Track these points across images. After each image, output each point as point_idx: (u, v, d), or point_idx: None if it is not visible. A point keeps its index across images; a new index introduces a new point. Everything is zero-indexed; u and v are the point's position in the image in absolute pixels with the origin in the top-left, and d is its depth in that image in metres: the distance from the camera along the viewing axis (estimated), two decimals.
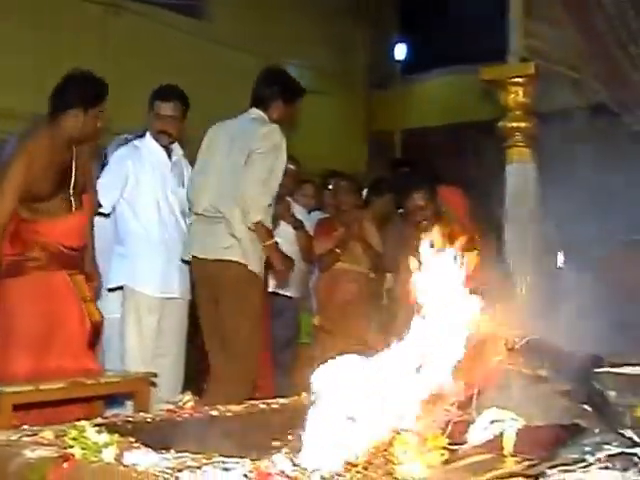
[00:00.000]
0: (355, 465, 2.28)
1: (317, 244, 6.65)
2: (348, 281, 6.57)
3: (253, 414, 3.25)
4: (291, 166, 6.39)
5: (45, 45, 8.88)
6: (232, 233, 5.16)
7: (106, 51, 9.51)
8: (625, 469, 2.16)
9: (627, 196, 5.40)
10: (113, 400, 5.20)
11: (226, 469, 2.25)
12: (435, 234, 2.52)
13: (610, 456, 2.19)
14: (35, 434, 2.67)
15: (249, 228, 5.14)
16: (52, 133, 4.82)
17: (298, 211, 6.75)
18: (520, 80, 6.22)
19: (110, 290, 5.52)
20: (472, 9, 9.64)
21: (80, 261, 4.97)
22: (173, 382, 5.45)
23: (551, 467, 2.17)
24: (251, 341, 5.16)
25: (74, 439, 2.46)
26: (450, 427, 2.44)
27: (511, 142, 6.23)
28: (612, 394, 2.58)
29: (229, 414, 3.17)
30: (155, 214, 5.44)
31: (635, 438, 2.27)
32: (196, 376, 5.78)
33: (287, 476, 2.18)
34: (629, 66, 6.85)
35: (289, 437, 2.52)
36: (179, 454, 2.36)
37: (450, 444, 2.38)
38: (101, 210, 5.45)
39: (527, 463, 2.25)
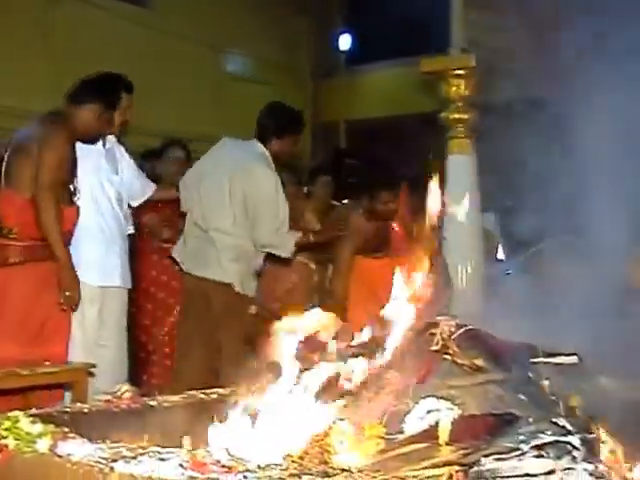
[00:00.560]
0: (291, 455, 2.28)
1: None
2: (289, 271, 6.55)
3: (192, 404, 3.23)
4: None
5: None
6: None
7: (48, 39, 9.40)
8: (559, 457, 2.18)
9: (564, 191, 5.45)
10: None
11: (162, 459, 2.24)
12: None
13: (544, 444, 2.21)
14: None
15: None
16: (71, 125, 5.03)
17: None
18: (461, 72, 6.25)
19: None
20: (416, 1, 9.67)
21: None
22: (117, 373, 5.39)
23: (486, 455, 2.18)
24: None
25: (7, 430, 2.43)
26: (387, 417, 2.45)
27: (452, 134, 6.28)
28: (546, 383, 2.61)
29: (167, 404, 3.15)
30: (91, 203, 5.37)
31: (568, 427, 2.29)
32: (134, 367, 5.73)
33: (223, 466, 2.18)
34: (570, 60, 6.92)
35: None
36: (114, 444, 2.35)
37: (387, 433, 2.40)
38: None
39: (462, 452, 2.27)
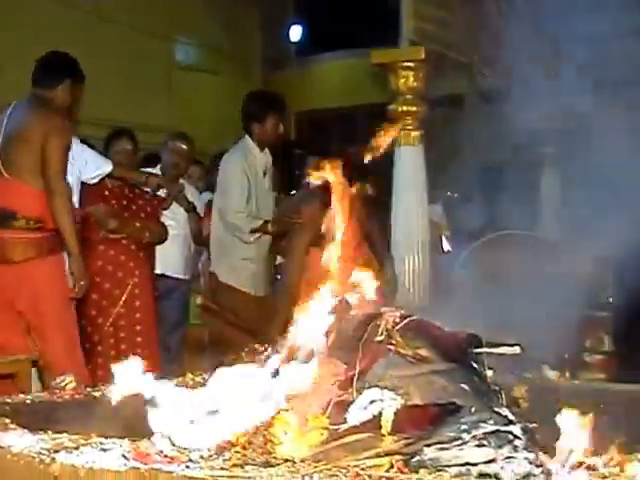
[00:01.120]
0: (235, 445, 2.28)
1: (207, 225, 6.62)
2: None
3: (137, 395, 3.21)
4: (183, 146, 6.37)
5: None
6: None
7: None
8: (500, 446, 2.20)
9: (510, 185, 5.52)
10: None
11: (104, 450, 2.23)
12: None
13: (486, 434, 2.23)
14: None
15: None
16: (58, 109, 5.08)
17: (190, 192, 6.69)
18: (410, 64, 6.27)
19: None
20: None
21: None
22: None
23: (428, 445, 2.20)
24: None
25: None
26: (330, 407, 2.45)
27: (401, 125, 6.29)
28: (489, 373, 2.63)
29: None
30: None
31: (510, 416, 2.32)
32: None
33: (166, 456, 2.18)
34: (517, 53, 6.97)
35: None
36: (56, 435, 2.33)
37: (330, 424, 2.40)
38: None
39: (404, 442, 2.28)
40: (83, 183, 5.58)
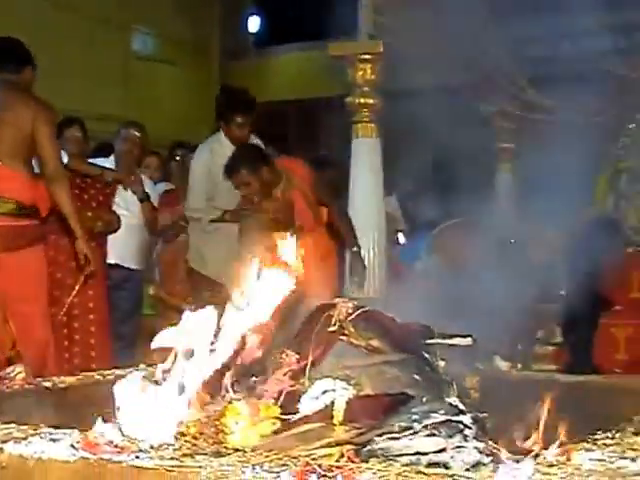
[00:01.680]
0: (185, 435, 2.28)
1: (161, 216, 6.58)
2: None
3: (88, 386, 3.20)
4: (136, 133, 6.33)
5: None
6: None
7: None
8: (450, 436, 2.21)
9: (465, 178, 5.55)
10: None
11: (53, 440, 2.21)
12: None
13: (436, 424, 2.24)
14: None
15: None
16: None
17: (144, 182, 6.65)
18: (368, 57, 6.29)
19: None
20: None
21: None
22: None
23: (379, 435, 2.21)
24: None
25: None
26: (282, 397, 2.45)
27: (357, 118, 6.31)
28: (441, 364, 2.65)
29: (62, 385, 3.11)
30: None
31: (461, 406, 2.33)
32: None
33: (116, 446, 2.16)
34: (480, 49, 7.02)
35: None
36: (4, 425, 2.30)
37: (282, 414, 2.40)
38: None
39: (356, 431, 2.29)
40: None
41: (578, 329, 6.10)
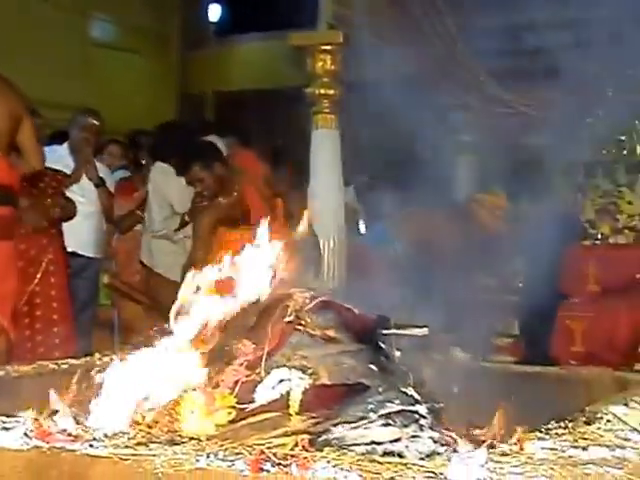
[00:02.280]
0: (140, 423, 2.27)
1: (117, 205, 6.55)
2: None
3: (42, 375, 3.17)
4: (92, 120, 6.30)
5: None
6: None
7: None
8: (405, 425, 2.22)
9: (424, 170, 5.57)
10: None
11: (6, 428, 2.20)
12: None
13: (392, 413, 2.25)
14: None
15: None
16: None
17: (100, 169, 6.61)
18: (328, 48, 6.28)
19: None
20: None
21: None
22: None
23: (335, 424, 2.21)
24: None
25: None
26: (239, 386, 2.45)
27: (317, 108, 6.31)
28: (397, 354, 2.66)
29: (16, 374, 3.09)
30: None
31: (416, 396, 2.34)
32: None
33: (69, 434, 2.15)
34: (437, 40, 7.04)
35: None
36: None
37: (238, 403, 2.40)
38: None
39: (312, 421, 2.30)
40: None
41: (535, 321, 6.15)
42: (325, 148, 6.26)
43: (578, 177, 7.00)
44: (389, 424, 2.23)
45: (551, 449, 2.08)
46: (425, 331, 2.76)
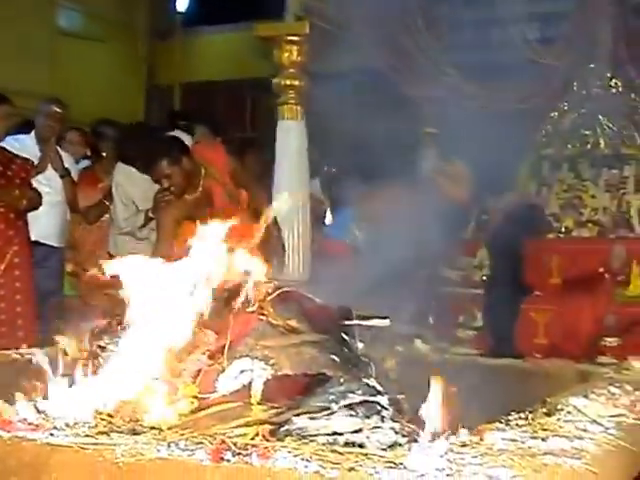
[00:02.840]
0: (102, 412, 2.26)
1: (82, 195, 6.50)
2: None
3: (4, 364, 3.16)
4: (56, 109, 6.26)
5: None
6: None
7: None
8: (367, 416, 2.24)
9: (388, 162, 5.58)
10: None
11: None
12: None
13: (353, 404, 2.26)
14: None
15: None
16: None
17: (66, 159, 6.55)
18: (294, 39, 6.28)
19: None
20: None
21: None
22: None
23: (297, 415, 2.22)
24: None
25: None
26: (201, 376, 2.45)
27: (283, 99, 6.30)
28: (360, 345, 2.67)
29: None
30: None
31: (378, 387, 2.36)
32: None
33: (30, 424, 2.14)
34: (402, 33, 7.05)
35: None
36: None
37: (200, 393, 2.40)
38: None
39: (274, 411, 2.30)
40: None
41: (499, 314, 6.19)
42: (291, 139, 6.26)
43: (543, 170, 7.04)
44: (351, 415, 2.24)
45: (511, 440, 2.10)
46: (386, 322, 2.77)
